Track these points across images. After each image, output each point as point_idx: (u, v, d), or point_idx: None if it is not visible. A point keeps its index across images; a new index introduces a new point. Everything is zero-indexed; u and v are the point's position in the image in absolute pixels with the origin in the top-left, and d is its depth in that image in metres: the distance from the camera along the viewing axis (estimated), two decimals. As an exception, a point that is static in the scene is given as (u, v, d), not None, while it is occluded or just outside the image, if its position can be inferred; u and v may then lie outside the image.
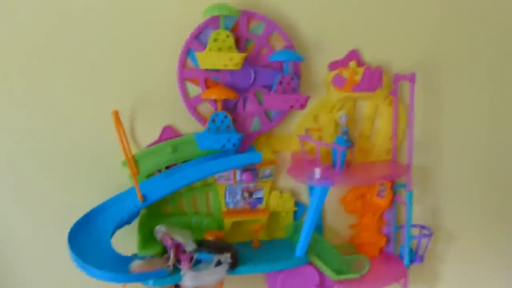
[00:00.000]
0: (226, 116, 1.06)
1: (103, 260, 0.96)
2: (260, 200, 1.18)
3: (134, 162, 1.07)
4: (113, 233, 1.02)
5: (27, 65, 1.02)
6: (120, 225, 1.04)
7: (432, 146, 1.32)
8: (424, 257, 1.28)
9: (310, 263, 1.14)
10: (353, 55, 1.18)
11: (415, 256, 1.26)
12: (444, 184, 1.36)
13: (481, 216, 1.43)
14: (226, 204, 1.17)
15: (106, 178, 1.10)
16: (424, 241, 1.28)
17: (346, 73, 1.13)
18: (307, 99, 1.07)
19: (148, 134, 1.11)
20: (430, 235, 1.26)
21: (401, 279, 1.25)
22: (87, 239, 0.99)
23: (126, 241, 1.08)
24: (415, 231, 1.30)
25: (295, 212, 1.22)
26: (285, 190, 1.20)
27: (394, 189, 1.26)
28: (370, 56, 1.20)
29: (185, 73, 1.07)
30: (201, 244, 1.05)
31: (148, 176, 1.10)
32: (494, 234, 1.46)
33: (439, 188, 1.36)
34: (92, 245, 0.98)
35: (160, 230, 1.06)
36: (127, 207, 1.04)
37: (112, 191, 1.07)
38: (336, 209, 1.27)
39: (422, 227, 1.30)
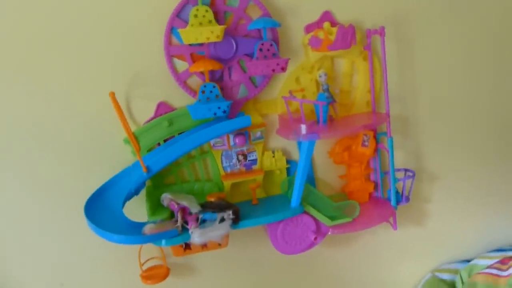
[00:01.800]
0: (214, 87, 1.14)
1: (118, 227, 1.06)
2: (254, 161, 1.28)
3: (134, 138, 1.16)
4: (123, 204, 1.12)
5: (22, 48, 1.08)
6: (129, 197, 1.14)
7: (409, 96, 1.40)
8: (410, 198, 1.38)
9: (306, 212, 1.24)
10: (326, 16, 1.25)
11: (401, 197, 1.37)
12: (423, 130, 1.45)
13: (462, 155, 1.52)
14: (224, 168, 1.26)
15: (111, 156, 1.18)
16: (408, 182, 1.38)
17: (321, 34, 1.20)
18: (287, 61, 1.15)
19: (144, 111, 1.18)
20: (413, 176, 1.37)
21: (389, 218, 1.36)
22: (101, 211, 1.08)
23: (136, 211, 1.17)
24: (400, 175, 1.40)
25: (287, 169, 1.32)
26: (276, 149, 1.30)
27: (377, 138, 1.35)
28: (342, 16, 1.26)
29: (172, 50, 1.15)
30: (205, 206, 1.14)
31: (149, 150, 1.18)
32: (476, 171, 1.56)
33: (418, 133, 1.45)
34: (107, 216, 1.07)
35: (166, 197, 1.15)
36: (134, 179, 1.13)
37: (118, 168, 1.16)
38: (325, 162, 1.37)
39: (406, 170, 1.41)
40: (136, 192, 1.15)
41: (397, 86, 1.38)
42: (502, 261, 1.47)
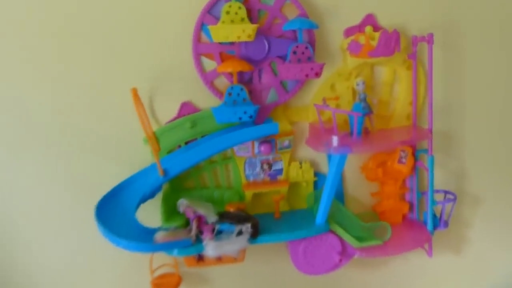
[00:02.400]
0: (242, 89, 1.07)
1: (129, 232, 1.00)
2: (279, 171, 1.19)
3: (155, 138, 1.11)
4: (137, 207, 1.06)
5: (47, 42, 1.04)
6: (144, 200, 1.08)
7: (454, 110, 1.29)
8: (449, 222, 1.26)
9: (332, 231, 1.15)
10: (369, 20, 1.15)
11: (439, 221, 1.25)
12: (467, 148, 1.33)
13: (507, 178, 1.40)
14: (246, 176, 1.18)
15: (129, 155, 1.13)
16: (448, 206, 1.26)
17: (362, 39, 1.11)
18: (322, 66, 1.06)
19: (167, 110, 1.13)
20: (454, 200, 1.25)
21: (424, 244, 1.24)
22: (113, 213, 1.03)
23: (150, 214, 1.11)
24: (439, 197, 1.28)
25: (315, 182, 1.23)
26: (304, 160, 1.21)
27: (416, 155, 1.24)
28: (386, 20, 1.17)
29: (200, 48, 1.08)
30: (223, 216, 1.07)
31: (169, 152, 1.12)
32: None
33: (462, 152, 1.33)
34: (119, 219, 1.02)
35: (183, 203, 1.09)
36: (150, 182, 1.07)
37: (136, 168, 1.11)
38: (357, 177, 1.27)
39: (446, 192, 1.29)
40: (151, 195, 1.09)
41: (442, 99, 1.26)
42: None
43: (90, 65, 1.07)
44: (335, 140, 1.04)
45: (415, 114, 1.22)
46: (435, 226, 1.24)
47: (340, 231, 1.14)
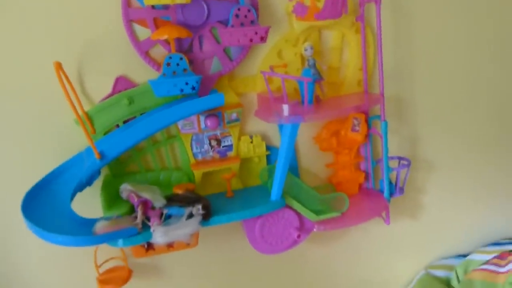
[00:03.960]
0: (181, 58, 0.97)
1: (64, 225, 0.89)
2: (229, 147, 1.12)
3: (88, 119, 0.99)
4: (73, 197, 0.95)
5: None
6: (80, 188, 0.96)
7: (404, 74, 1.26)
8: (404, 189, 1.25)
9: (288, 206, 1.09)
10: (314, -20, 1.08)
11: (395, 189, 1.22)
12: (420, 113, 1.31)
13: (461, 143, 1.40)
14: (194, 155, 1.10)
15: (60, 140, 1.01)
16: (403, 172, 1.24)
17: (307, 0, 1.04)
18: (267, 30, 0.98)
19: (99, 87, 1.01)
20: (408, 165, 1.23)
21: (382, 212, 1.22)
22: (44, 206, 0.91)
23: (90, 205, 1.01)
24: (393, 164, 1.26)
25: (268, 157, 1.16)
26: (255, 134, 1.14)
27: (369, 122, 1.20)
28: (332, -20, 1.10)
29: (131, 14, 0.97)
30: (171, 199, 0.99)
31: (106, 133, 1.02)
32: (475, 161, 1.44)
33: (415, 117, 1.31)
34: (51, 212, 0.90)
35: (126, 188, 0.99)
36: (85, 167, 0.96)
37: (68, 154, 0.99)
38: (310, 149, 1.22)
39: (400, 158, 1.26)
40: (89, 182, 0.98)
41: (393, 63, 1.23)
42: (500, 256, 1.36)
43: (8, 39, 0.94)
44: (285, 108, 0.97)
45: (366, 79, 1.18)
46: (391, 194, 1.21)
47: (296, 205, 1.08)
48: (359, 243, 1.37)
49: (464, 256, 1.47)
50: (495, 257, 1.36)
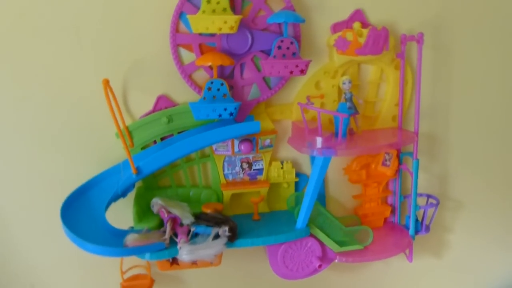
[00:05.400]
0: (222, 84, 1.00)
1: (98, 234, 0.93)
2: (260, 171, 1.14)
3: (128, 133, 1.04)
4: (107, 207, 0.99)
5: (11, 34, 0.96)
6: (115, 198, 1.01)
7: (440, 113, 1.25)
8: (430, 227, 1.24)
9: (312, 235, 1.10)
10: (357, 16, 1.10)
11: (420, 226, 1.22)
12: (452, 152, 1.30)
13: (489, 184, 1.38)
14: (225, 175, 1.13)
15: (100, 151, 1.06)
16: (430, 210, 1.23)
17: (350, 35, 1.06)
18: (307, 63, 1.00)
19: (142, 104, 1.06)
20: (437, 204, 1.22)
21: (406, 249, 1.21)
22: (81, 213, 0.96)
23: (122, 215, 1.05)
24: (422, 201, 1.25)
25: (296, 184, 1.18)
26: (286, 161, 1.15)
27: (400, 157, 1.20)
28: (375, 17, 1.12)
29: (178, 38, 1.01)
30: (199, 217, 1.01)
31: (144, 148, 1.06)
32: (503, 203, 1.41)
33: (446, 156, 1.30)
34: (87, 219, 0.95)
35: (157, 203, 1.03)
36: (122, 180, 1.00)
37: (107, 164, 1.04)
38: (339, 179, 1.22)
39: (429, 196, 1.26)
40: (123, 194, 1.02)
41: (429, 101, 1.23)
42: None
43: (60, 56, 1.00)
44: (319, 141, 0.99)
45: (401, 115, 1.18)
46: (416, 231, 1.21)
47: (321, 235, 1.09)
48: (380, 277, 1.36)
49: (488, 299, 1.44)
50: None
